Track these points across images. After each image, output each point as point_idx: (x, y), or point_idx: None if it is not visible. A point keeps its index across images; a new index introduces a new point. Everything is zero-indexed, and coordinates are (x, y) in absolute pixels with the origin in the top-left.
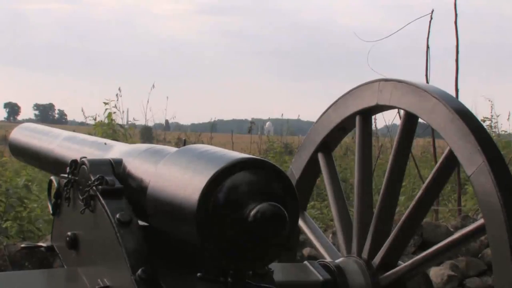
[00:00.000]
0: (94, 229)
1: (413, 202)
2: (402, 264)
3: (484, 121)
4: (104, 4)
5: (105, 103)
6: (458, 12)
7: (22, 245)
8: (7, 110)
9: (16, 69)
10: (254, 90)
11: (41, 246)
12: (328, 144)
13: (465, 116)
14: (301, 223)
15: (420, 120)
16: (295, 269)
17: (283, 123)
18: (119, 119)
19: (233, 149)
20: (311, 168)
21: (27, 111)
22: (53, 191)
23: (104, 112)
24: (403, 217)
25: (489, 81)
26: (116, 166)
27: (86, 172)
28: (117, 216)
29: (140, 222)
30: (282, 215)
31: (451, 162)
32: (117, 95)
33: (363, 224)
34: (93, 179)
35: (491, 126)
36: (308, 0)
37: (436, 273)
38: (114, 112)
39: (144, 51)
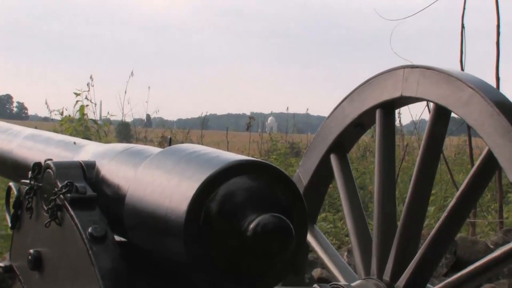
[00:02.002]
0: (62, 245)
1: (445, 213)
2: None
3: None
4: None
5: (77, 94)
6: None
7: None
8: None
9: None
10: (253, 79)
11: None
12: (343, 143)
13: (508, 110)
14: (310, 238)
15: (453, 115)
16: None
17: (288, 118)
18: (91, 114)
19: (228, 150)
20: (322, 173)
21: None
22: (12, 200)
23: (75, 105)
24: (432, 232)
25: None
26: (88, 170)
27: (51, 177)
28: (89, 230)
29: (117, 237)
30: (287, 229)
31: (491, 165)
32: (88, 84)
33: (385, 239)
34: (60, 185)
35: None
36: None
37: None
38: (87, 105)
39: (121, 32)
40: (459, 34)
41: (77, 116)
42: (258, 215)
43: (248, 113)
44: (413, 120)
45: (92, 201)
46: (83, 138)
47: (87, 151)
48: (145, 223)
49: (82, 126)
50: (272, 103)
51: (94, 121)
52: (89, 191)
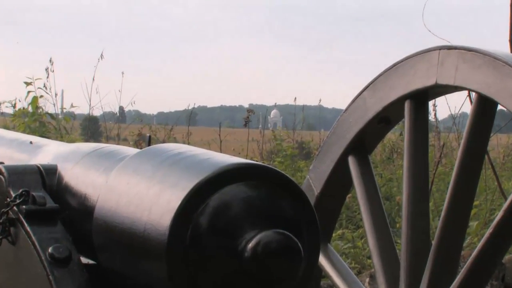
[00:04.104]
0: (16, 269)
1: (491, 230)
2: None
3: None
4: None
5: (27, 83)
6: None
7: None
8: None
9: None
10: (253, 62)
11: None
12: (364, 143)
13: None
14: (322, 261)
15: (500, 107)
16: None
17: (296, 111)
18: (50, 106)
19: (221, 151)
20: (339, 179)
21: None
22: None
23: (26, 97)
24: (474, 252)
25: None
26: (47, 176)
27: (3, 185)
28: (50, 250)
29: (84, 259)
30: (294, 249)
31: None
32: (47, 69)
33: (416, 262)
34: (13, 195)
35: None
36: None
37: None
38: (41, 96)
39: (88, 4)
40: (508, 8)
41: (31, 109)
42: (259, 232)
43: (246, 105)
44: (451, 114)
45: (53, 215)
46: (40, 136)
47: (47, 152)
48: (118, 242)
49: (36, 122)
50: (276, 92)
51: (52, 116)
52: (50, 202)
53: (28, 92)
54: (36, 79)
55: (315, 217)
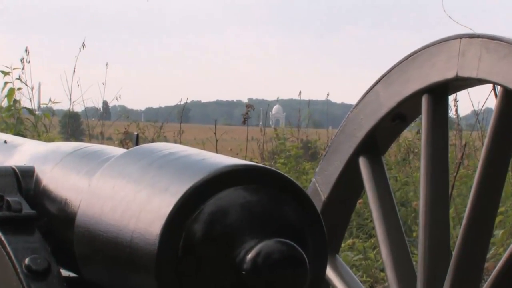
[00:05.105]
0: None
1: None
2: None
3: None
4: None
5: (5, 73)
6: None
7: None
8: None
9: None
10: (252, 53)
11: None
12: (376, 142)
13: None
14: (330, 273)
15: None
16: None
17: (301, 106)
18: (25, 100)
19: (217, 151)
20: (348, 183)
21: None
22: None
23: (3, 88)
24: (500, 264)
25: None
26: (24, 179)
27: None
28: (26, 261)
29: (64, 272)
30: (298, 260)
31: None
32: (22, 60)
33: (434, 274)
34: None
35: None
36: None
37: None
38: (19, 89)
39: None
40: None
41: (6, 103)
42: (259, 241)
43: (245, 100)
44: (474, 110)
45: (30, 222)
46: (14, 134)
47: (23, 152)
48: (102, 252)
49: (13, 118)
50: (278, 86)
51: (30, 111)
52: (26, 208)
53: (6, 83)
54: (14, 69)
55: (321, 224)
